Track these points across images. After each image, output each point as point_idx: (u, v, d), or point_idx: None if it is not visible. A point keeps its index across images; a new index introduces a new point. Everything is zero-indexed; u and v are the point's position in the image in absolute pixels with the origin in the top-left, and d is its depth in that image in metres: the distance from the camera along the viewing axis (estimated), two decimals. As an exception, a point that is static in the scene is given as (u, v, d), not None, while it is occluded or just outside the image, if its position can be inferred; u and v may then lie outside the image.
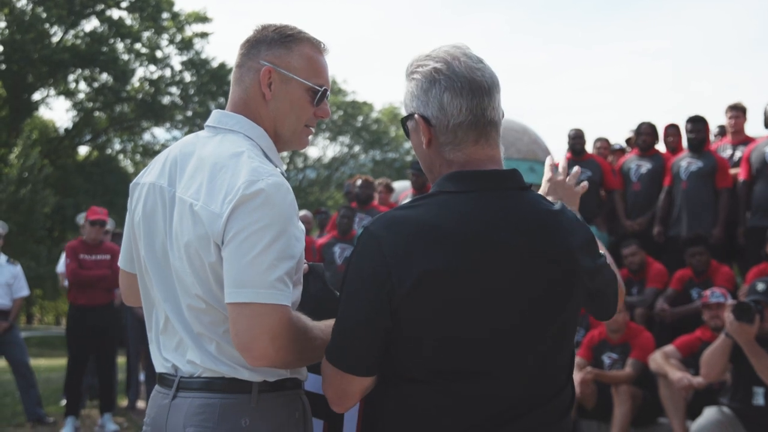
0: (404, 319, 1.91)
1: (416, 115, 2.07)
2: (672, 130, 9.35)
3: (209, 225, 2.08)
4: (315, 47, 2.39)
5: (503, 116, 2.12)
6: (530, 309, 1.94)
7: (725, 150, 8.96)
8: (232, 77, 2.41)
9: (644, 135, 9.33)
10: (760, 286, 5.94)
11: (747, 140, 8.69)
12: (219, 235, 2.07)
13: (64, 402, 10.48)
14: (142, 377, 10.92)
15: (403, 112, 2.16)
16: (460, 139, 2.02)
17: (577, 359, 7.36)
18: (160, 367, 2.28)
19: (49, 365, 13.76)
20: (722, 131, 9.58)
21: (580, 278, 2.00)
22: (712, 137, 9.73)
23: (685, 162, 8.59)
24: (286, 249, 2.07)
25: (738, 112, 8.89)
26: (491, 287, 1.91)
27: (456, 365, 1.93)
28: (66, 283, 9.89)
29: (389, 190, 11.21)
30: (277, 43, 2.34)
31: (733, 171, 8.52)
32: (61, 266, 10.79)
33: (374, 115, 45.24)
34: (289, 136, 2.38)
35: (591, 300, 2.10)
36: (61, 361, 11.11)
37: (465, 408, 1.94)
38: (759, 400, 5.83)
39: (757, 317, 5.56)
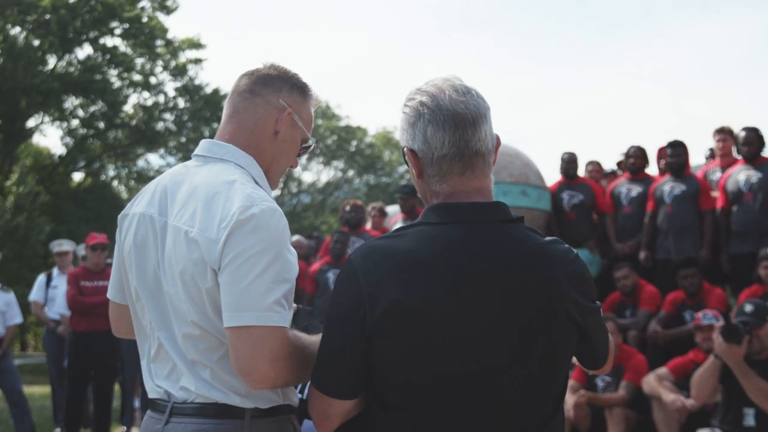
0: (377, 346, 1.95)
1: (405, 148, 2.13)
2: (663, 153, 9.42)
3: (206, 251, 2.12)
4: (314, 105, 2.52)
5: (498, 144, 2.14)
6: (509, 338, 1.95)
7: (714, 173, 9.04)
8: (235, 103, 2.43)
9: (633, 158, 9.39)
10: (748, 308, 5.98)
11: (735, 162, 8.76)
12: (216, 260, 2.10)
13: (57, 430, 10.46)
14: (137, 404, 10.90)
15: (398, 136, 2.21)
16: (445, 171, 2.05)
17: (571, 382, 7.37)
18: (152, 393, 2.30)
19: (44, 393, 13.69)
20: (713, 154, 9.65)
21: (565, 307, 1.98)
22: (703, 160, 9.81)
23: (668, 186, 8.66)
24: (282, 272, 2.11)
25: (725, 134, 8.97)
26: (466, 317, 1.93)
27: (431, 393, 1.95)
28: (48, 310, 9.97)
29: (383, 214, 11.23)
30: (297, 90, 2.45)
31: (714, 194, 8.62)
32: (33, 294, 10.81)
33: (368, 139, 45.29)
34: (275, 175, 2.46)
35: (582, 340, 2.08)
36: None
37: None
38: (749, 421, 5.85)
39: (745, 338, 5.59)
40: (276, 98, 2.40)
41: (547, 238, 2.07)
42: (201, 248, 2.13)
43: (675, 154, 8.72)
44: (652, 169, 9.61)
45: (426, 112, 2.05)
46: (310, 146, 2.51)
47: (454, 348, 1.93)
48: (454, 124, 2.03)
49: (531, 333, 1.96)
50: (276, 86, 2.41)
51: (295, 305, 2.40)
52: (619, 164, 11.05)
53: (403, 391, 1.97)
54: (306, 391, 2.41)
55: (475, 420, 1.95)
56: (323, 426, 2.13)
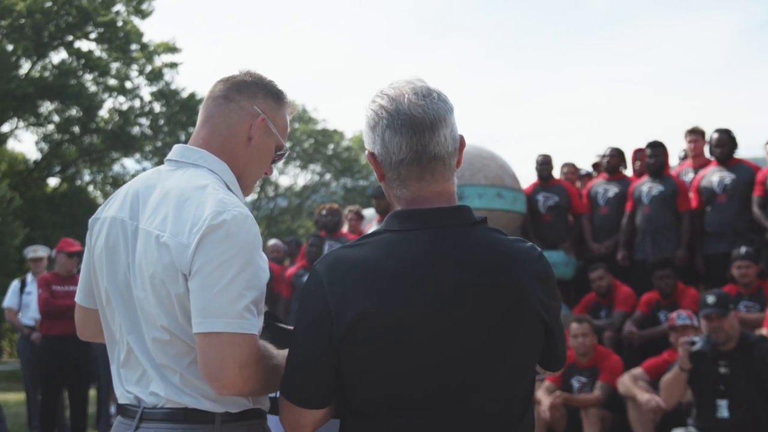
0: (345, 356, 1.94)
1: (367, 152, 2.13)
2: (640, 154, 9.48)
3: (176, 255, 2.11)
4: (291, 112, 2.51)
5: (462, 145, 2.13)
6: (478, 343, 1.95)
7: (687, 174, 9.10)
8: (209, 108, 2.43)
9: (610, 158, 9.44)
10: (711, 299, 6.04)
11: (707, 163, 8.84)
12: (186, 265, 2.10)
13: (32, 436, 10.39)
14: (113, 409, 10.83)
15: None
16: (404, 176, 2.04)
17: (547, 383, 7.40)
18: (122, 398, 2.29)
19: (19, 399, 13.57)
20: (686, 155, 9.73)
21: (533, 308, 1.99)
22: (676, 160, 9.87)
23: (647, 187, 8.71)
24: (252, 279, 2.11)
25: (697, 135, 9.06)
26: (432, 325, 1.92)
27: (400, 401, 1.95)
28: (22, 317, 9.92)
29: (360, 217, 11.23)
30: (272, 97, 2.44)
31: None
32: (7, 301, 10.74)
33: (345, 143, 45.26)
34: (248, 182, 2.45)
35: (546, 339, 2.08)
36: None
37: None
38: (723, 412, 5.90)
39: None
40: (250, 104, 2.39)
41: (510, 237, 2.07)
42: (172, 253, 2.12)
43: (654, 154, 8.76)
44: (628, 171, 9.66)
45: (384, 116, 2.04)
46: (284, 153, 2.50)
47: (421, 357, 1.93)
48: (411, 128, 2.01)
49: (500, 336, 1.97)
50: (251, 92, 2.41)
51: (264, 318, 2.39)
52: (594, 166, 11.10)
53: (372, 399, 1.97)
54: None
55: (444, 424, 1.95)
56: None
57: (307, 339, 1.98)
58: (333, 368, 1.97)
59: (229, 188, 2.31)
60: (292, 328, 2.21)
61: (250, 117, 2.38)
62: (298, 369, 2.01)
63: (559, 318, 2.11)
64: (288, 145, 2.55)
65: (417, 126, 2.02)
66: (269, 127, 2.40)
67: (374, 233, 2.04)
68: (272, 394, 2.40)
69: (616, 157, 9.48)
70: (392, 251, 1.97)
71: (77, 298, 2.53)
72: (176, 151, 2.40)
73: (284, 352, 2.18)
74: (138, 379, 2.25)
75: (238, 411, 2.22)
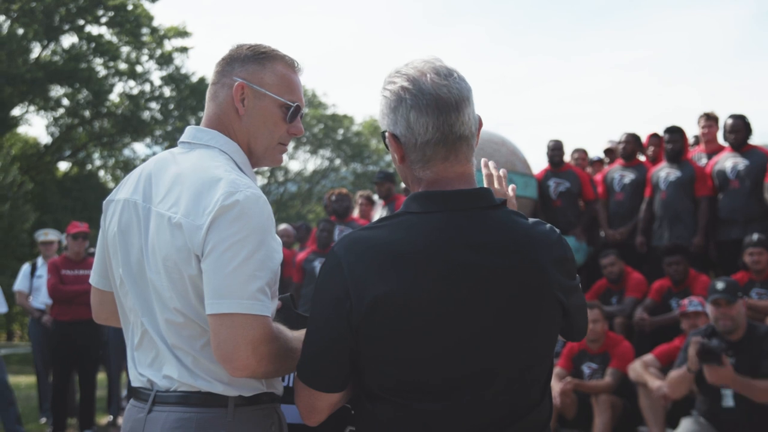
0: (364, 339, 1.92)
1: (387, 133, 2.08)
2: (654, 140, 9.44)
3: (189, 237, 2.10)
4: (288, 65, 2.43)
5: (480, 125, 2.11)
6: (497, 327, 1.93)
7: (700, 159, 9.05)
8: (207, 94, 2.44)
9: (626, 144, 9.38)
10: (720, 285, 6.02)
11: (720, 149, 8.80)
12: (199, 246, 2.08)
13: (43, 420, 10.43)
14: (124, 393, 10.88)
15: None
16: (429, 156, 2.02)
17: (557, 369, 7.39)
18: (135, 381, 2.29)
19: (30, 382, 13.62)
20: (698, 140, 9.68)
21: (551, 292, 1.98)
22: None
23: (664, 172, 8.66)
24: (265, 260, 2.09)
25: (711, 121, 9.01)
26: (453, 308, 1.90)
27: (415, 384, 1.93)
28: (33, 300, 9.95)
29: (370, 202, 11.24)
30: (251, 60, 2.38)
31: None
32: (18, 284, 10.76)
33: (355, 128, 45.28)
34: (262, 152, 2.40)
35: (565, 318, 2.07)
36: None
37: (428, 427, 1.94)
38: (728, 402, 5.89)
39: (723, 356, 5.63)
40: (230, 78, 2.37)
41: (531, 221, 2.05)
42: (185, 234, 2.11)
43: (672, 139, 8.71)
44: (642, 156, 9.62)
45: (408, 97, 2.00)
46: (296, 106, 2.40)
47: (441, 340, 1.91)
48: (437, 108, 1.99)
49: (519, 320, 1.95)
50: (230, 66, 2.39)
51: (279, 300, 2.38)
52: (606, 152, 11.06)
53: (391, 383, 1.95)
54: (291, 378, 2.40)
55: (464, 408, 1.94)
56: (311, 418, 2.10)
57: (325, 321, 1.96)
58: (351, 351, 1.95)
59: (240, 169, 2.29)
60: (305, 314, 2.20)
61: (230, 89, 2.35)
62: (315, 352, 1.99)
63: (577, 295, 2.10)
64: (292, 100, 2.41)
65: (443, 106, 1.99)
66: (255, 89, 2.35)
67: (394, 215, 2.01)
68: (286, 383, 2.40)
69: (632, 143, 9.42)
70: (412, 233, 1.95)
71: (92, 281, 2.52)
72: (188, 132, 2.39)
73: (299, 334, 2.17)
74: (151, 362, 2.24)
75: (252, 395, 2.21)
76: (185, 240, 2.11)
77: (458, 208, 1.99)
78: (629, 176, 9.21)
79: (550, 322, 2.02)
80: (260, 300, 2.05)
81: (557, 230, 2.08)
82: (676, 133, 8.75)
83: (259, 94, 2.36)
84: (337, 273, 1.95)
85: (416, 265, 1.90)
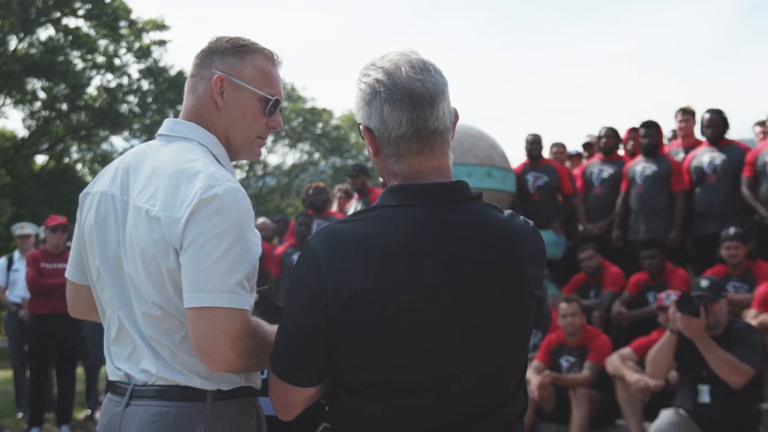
0: (340, 333, 1.91)
1: (361, 126, 2.08)
2: (633, 134, 9.49)
3: (167, 230, 2.09)
4: (268, 58, 2.42)
5: (456, 118, 2.10)
6: (473, 321, 1.93)
7: (677, 153, 9.11)
8: (186, 87, 2.42)
9: (605, 138, 9.45)
10: (704, 283, 6.05)
11: (697, 143, 8.85)
12: (177, 239, 2.07)
13: (20, 414, 10.38)
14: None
15: None
16: (403, 151, 2.00)
17: (535, 363, 7.42)
18: (112, 375, 2.28)
19: (6, 377, 13.55)
20: (675, 135, 9.74)
21: (528, 287, 1.98)
22: (665, 141, 9.88)
23: (640, 167, 8.71)
24: (244, 254, 2.08)
25: (688, 115, 9.09)
26: (429, 302, 1.90)
27: (395, 379, 1.93)
28: (10, 294, 9.91)
29: (349, 196, 11.25)
30: (230, 53, 2.37)
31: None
32: None
33: (334, 121, 45.18)
34: (240, 145, 2.39)
35: (537, 309, 2.07)
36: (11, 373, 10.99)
37: (408, 420, 1.94)
38: (704, 398, 5.92)
39: (701, 309, 5.65)
40: (209, 70, 2.36)
41: (506, 213, 2.05)
42: (163, 227, 2.10)
43: (648, 134, 8.77)
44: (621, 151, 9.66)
45: (382, 90, 1.99)
46: (276, 99, 2.39)
47: (417, 334, 1.90)
48: (411, 103, 1.97)
49: (497, 314, 1.95)
50: (209, 59, 2.37)
51: (257, 293, 2.37)
52: (584, 146, 11.10)
53: (368, 377, 1.94)
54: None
55: (440, 401, 1.94)
56: (285, 413, 2.09)
57: (300, 315, 1.95)
58: (326, 346, 1.94)
59: (219, 162, 2.28)
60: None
61: (209, 82, 2.34)
62: (290, 346, 1.97)
63: (544, 286, 2.10)
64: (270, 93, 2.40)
65: (417, 101, 1.98)
66: (234, 82, 2.34)
67: (370, 209, 2.00)
68: (264, 376, 2.39)
69: (611, 137, 9.48)
70: (388, 227, 1.94)
71: (68, 274, 2.50)
72: (166, 125, 2.38)
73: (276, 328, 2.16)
74: (128, 356, 2.23)
75: (230, 389, 2.20)
76: (163, 233, 2.10)
77: (436, 201, 1.98)
78: (608, 170, 9.26)
79: (528, 316, 2.03)
80: (239, 294, 2.04)
81: (531, 222, 2.08)
82: (651, 127, 8.81)
83: (239, 87, 2.34)
84: (313, 267, 1.93)
85: (394, 259, 1.89)
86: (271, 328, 2.17)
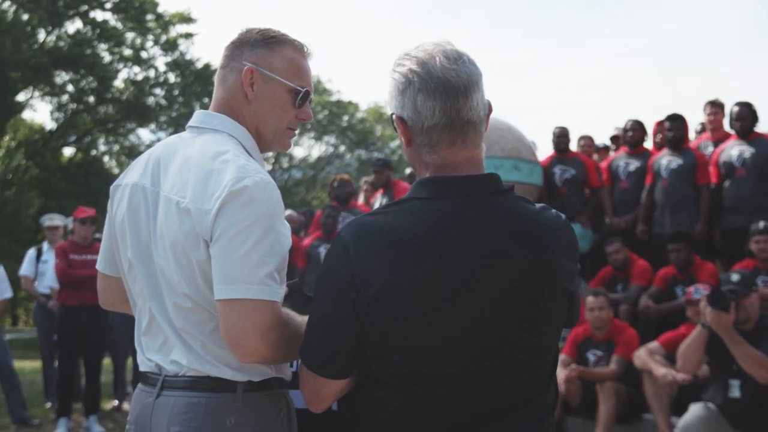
0: (370, 325, 1.91)
1: (394, 116, 2.07)
2: (660, 127, 9.41)
3: (198, 222, 2.09)
4: (298, 50, 2.41)
5: (490, 110, 2.09)
6: (505, 315, 1.92)
7: (706, 147, 9.03)
8: (215, 79, 2.43)
9: (631, 131, 9.40)
10: (735, 277, 6.00)
11: (726, 136, 8.78)
12: (208, 231, 2.07)
13: (48, 404, 10.47)
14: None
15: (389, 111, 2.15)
16: (435, 141, 1.99)
17: (562, 356, 7.39)
18: (143, 366, 2.29)
19: (35, 367, 13.66)
20: (704, 128, 9.66)
21: (560, 280, 1.97)
22: (692, 134, 9.81)
23: (666, 160, 8.66)
24: (274, 245, 2.08)
25: (717, 108, 9.00)
26: (461, 296, 1.89)
27: (426, 371, 1.92)
28: (39, 285, 9.99)
29: (375, 188, 11.24)
30: (260, 45, 2.37)
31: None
32: (23, 269, 10.76)
33: (359, 114, 45.23)
34: (270, 136, 2.39)
35: (568, 303, 2.06)
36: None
37: (437, 412, 1.94)
38: (735, 392, 5.88)
39: (732, 305, 5.62)
40: (239, 62, 2.35)
41: (538, 206, 2.04)
42: (193, 219, 2.10)
43: (673, 127, 8.70)
44: (648, 144, 9.59)
45: (416, 80, 1.98)
46: (306, 91, 2.38)
47: (448, 327, 1.90)
48: (445, 92, 1.96)
49: (528, 308, 1.95)
50: (239, 50, 2.37)
51: (287, 287, 2.37)
52: (612, 139, 11.03)
53: (397, 370, 1.94)
54: (299, 363, 2.39)
55: (471, 395, 1.94)
56: (316, 405, 2.09)
57: (331, 307, 1.95)
58: (357, 337, 1.94)
59: (249, 154, 2.28)
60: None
61: (239, 74, 2.34)
62: (321, 338, 1.97)
63: (577, 280, 2.09)
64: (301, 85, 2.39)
65: (451, 90, 1.97)
66: (264, 74, 2.34)
67: (401, 201, 2.00)
68: (293, 368, 2.39)
69: (637, 130, 9.42)
70: (419, 219, 1.93)
71: (99, 266, 2.51)
72: (197, 117, 2.38)
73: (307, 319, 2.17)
74: (160, 347, 2.24)
75: (261, 380, 2.21)
76: (193, 225, 2.10)
77: (466, 194, 1.97)
78: (634, 164, 9.20)
79: (558, 310, 2.02)
80: (269, 285, 2.04)
81: (563, 215, 2.07)
82: (677, 120, 8.75)
83: (269, 79, 2.34)
84: (344, 259, 1.93)
85: (425, 252, 1.89)
86: (302, 320, 2.17)
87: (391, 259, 1.88)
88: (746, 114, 8.33)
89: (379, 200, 10.26)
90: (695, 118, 9.40)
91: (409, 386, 1.94)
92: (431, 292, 1.88)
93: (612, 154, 10.44)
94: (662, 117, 9.08)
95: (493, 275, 1.91)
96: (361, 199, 11.24)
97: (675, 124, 8.71)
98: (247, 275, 2.02)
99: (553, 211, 2.06)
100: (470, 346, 1.92)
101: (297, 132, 2.50)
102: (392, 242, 1.90)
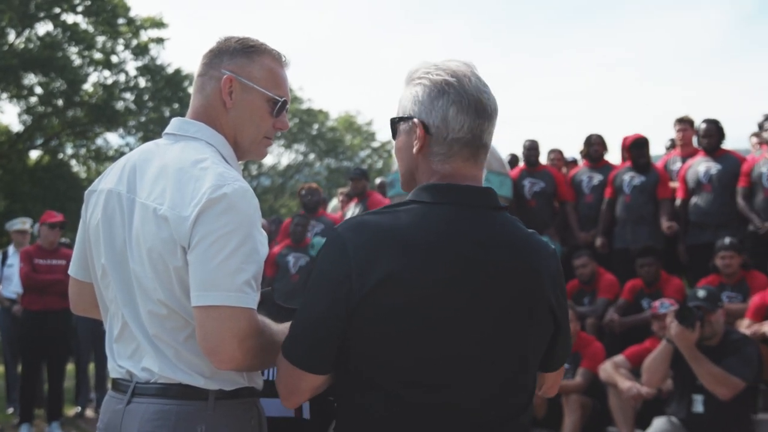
0: (360, 324, 1.92)
1: (416, 120, 2.08)
2: (681, 126, 9.44)
3: (175, 228, 2.09)
4: (276, 60, 2.43)
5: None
6: (494, 323, 1.96)
7: (675, 163, 9.16)
8: (193, 86, 2.44)
9: (594, 145, 9.49)
10: (701, 293, 6.08)
11: (695, 153, 8.88)
12: (185, 238, 2.08)
13: (10, 410, 10.36)
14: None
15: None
16: (453, 153, 2.05)
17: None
18: (114, 372, 2.29)
19: (-3, 372, 13.55)
20: (673, 144, 9.76)
21: (545, 300, 2.02)
22: (663, 150, 9.90)
23: (628, 176, 8.77)
24: (252, 253, 2.09)
25: (686, 125, 9.12)
26: (453, 300, 1.92)
27: (412, 374, 1.94)
28: (3, 290, 9.90)
29: (350, 198, 11.25)
30: (239, 53, 2.38)
31: (673, 184, 8.78)
32: None
33: (330, 123, 45.15)
34: (248, 145, 2.41)
35: (553, 339, 2.11)
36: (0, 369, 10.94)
37: (419, 423, 1.95)
38: (698, 407, 5.96)
39: (697, 324, 5.69)
40: (218, 70, 2.36)
41: (529, 230, 2.11)
42: (171, 226, 2.11)
43: (641, 155, 8.81)
44: (614, 157, 9.69)
45: (452, 92, 2.04)
46: (283, 101, 2.41)
47: (438, 330, 1.92)
48: (476, 111, 2.04)
49: (515, 319, 1.98)
50: (218, 59, 2.38)
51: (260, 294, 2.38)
52: (582, 152, 11.12)
53: (384, 371, 1.95)
54: (271, 372, 2.40)
55: (455, 403, 1.95)
56: (290, 400, 2.10)
57: (319, 300, 1.96)
58: (342, 334, 1.94)
59: (227, 162, 2.29)
60: (288, 306, 2.20)
61: (218, 82, 2.35)
62: (304, 329, 1.98)
63: (567, 318, 2.15)
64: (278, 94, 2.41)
65: (481, 111, 2.05)
66: (243, 83, 2.35)
67: (402, 203, 2.04)
68: (266, 377, 2.40)
69: (600, 144, 9.52)
70: (418, 222, 1.97)
71: (71, 271, 2.51)
72: (174, 124, 2.39)
73: (283, 327, 2.17)
74: (131, 354, 2.24)
75: (232, 389, 2.21)
76: (171, 231, 2.10)
77: (465, 204, 2.02)
78: (597, 177, 9.31)
79: (543, 329, 2.07)
80: (246, 293, 2.05)
81: (552, 245, 2.14)
82: (642, 147, 8.84)
83: (247, 88, 2.36)
84: (340, 254, 1.94)
85: (423, 253, 1.92)
86: (278, 328, 2.18)
87: (387, 255, 1.91)
88: (713, 131, 8.45)
89: (352, 210, 10.26)
90: (667, 134, 9.47)
91: (393, 389, 1.94)
92: (424, 292, 1.91)
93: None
94: (634, 131, 9.15)
95: (490, 285, 1.95)
96: (333, 209, 11.23)
97: (641, 151, 8.82)
98: (224, 282, 2.03)
99: (543, 238, 2.13)
100: (457, 351, 1.94)
101: (273, 141, 2.52)
102: (392, 240, 1.93)
